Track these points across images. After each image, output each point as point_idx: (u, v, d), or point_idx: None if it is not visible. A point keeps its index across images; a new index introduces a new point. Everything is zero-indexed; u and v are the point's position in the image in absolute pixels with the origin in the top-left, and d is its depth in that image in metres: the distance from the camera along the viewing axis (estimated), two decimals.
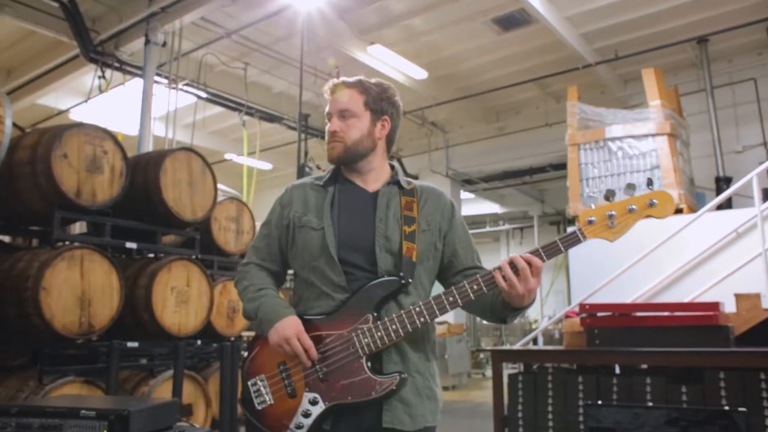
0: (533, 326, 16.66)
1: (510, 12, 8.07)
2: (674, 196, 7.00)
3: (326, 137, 1.85)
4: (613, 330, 5.58)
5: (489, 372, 13.88)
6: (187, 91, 8.50)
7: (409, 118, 10.85)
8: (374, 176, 1.86)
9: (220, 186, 7.00)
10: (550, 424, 5.43)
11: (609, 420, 5.06)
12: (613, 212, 1.63)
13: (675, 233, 6.21)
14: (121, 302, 3.85)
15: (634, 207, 1.63)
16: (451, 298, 1.65)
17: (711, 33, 8.41)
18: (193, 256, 4.55)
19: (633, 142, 7.53)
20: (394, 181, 1.86)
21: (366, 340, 1.64)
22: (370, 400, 1.63)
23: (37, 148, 3.69)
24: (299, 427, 1.65)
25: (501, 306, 1.70)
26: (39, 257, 3.56)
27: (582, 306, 5.83)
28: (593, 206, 1.65)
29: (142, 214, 4.28)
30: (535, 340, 8.44)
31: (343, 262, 1.72)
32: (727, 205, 6.46)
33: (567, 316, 6.36)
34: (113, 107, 8.31)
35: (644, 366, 5.66)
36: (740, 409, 4.64)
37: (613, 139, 7.63)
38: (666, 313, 5.50)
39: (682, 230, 6.20)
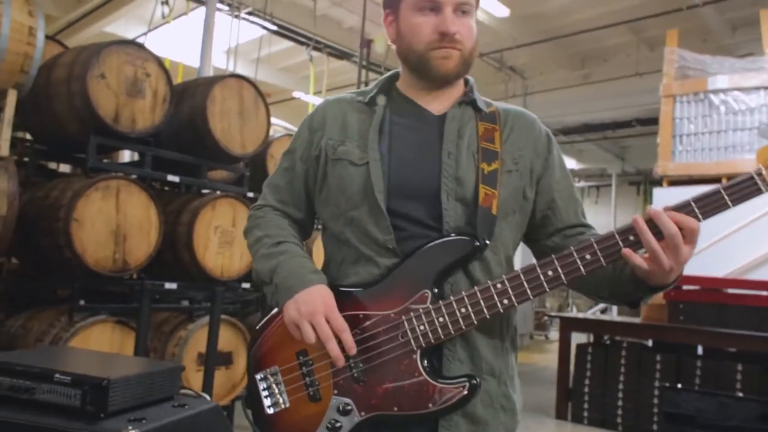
0: None
1: None
2: None
3: (427, 38, 1.26)
4: (701, 306, 4.97)
5: (552, 335, 13.39)
6: (252, 21, 8.09)
7: (486, 61, 10.11)
8: (443, 92, 1.34)
9: (281, 123, 6.62)
10: (620, 403, 4.94)
11: (689, 407, 4.52)
12: None
13: None
14: (160, 239, 3.57)
15: None
16: (550, 272, 1.15)
17: None
18: (242, 195, 4.21)
19: (740, 96, 6.64)
20: (469, 101, 1.34)
21: (422, 327, 1.18)
22: (424, 414, 1.16)
23: (74, 66, 3.39)
24: None
25: (629, 283, 1.18)
26: (72, 186, 3.30)
27: None
28: None
29: (186, 145, 3.95)
30: (606, 308, 7.85)
31: (393, 214, 1.24)
32: None
33: None
34: (177, 38, 8.03)
35: (733, 350, 5.07)
36: None
37: (716, 92, 6.76)
38: (764, 293, 4.86)
39: None
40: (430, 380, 1.17)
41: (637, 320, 5.57)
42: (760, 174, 1.06)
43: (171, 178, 3.81)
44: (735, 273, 5.61)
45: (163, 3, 7.05)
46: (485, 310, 1.16)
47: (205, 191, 4.11)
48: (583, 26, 9.13)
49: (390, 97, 1.36)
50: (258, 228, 1.38)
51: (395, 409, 1.17)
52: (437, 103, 1.33)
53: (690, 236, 1.07)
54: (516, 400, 1.30)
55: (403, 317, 1.19)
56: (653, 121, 10.19)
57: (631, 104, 10.04)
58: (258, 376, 1.28)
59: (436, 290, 1.20)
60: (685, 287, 5.09)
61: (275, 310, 1.31)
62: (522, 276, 1.16)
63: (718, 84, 6.73)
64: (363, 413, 1.18)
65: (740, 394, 4.40)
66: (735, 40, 9.10)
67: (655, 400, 4.72)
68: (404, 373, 1.17)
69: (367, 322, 1.21)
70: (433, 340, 1.17)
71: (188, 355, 3.65)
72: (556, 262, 1.15)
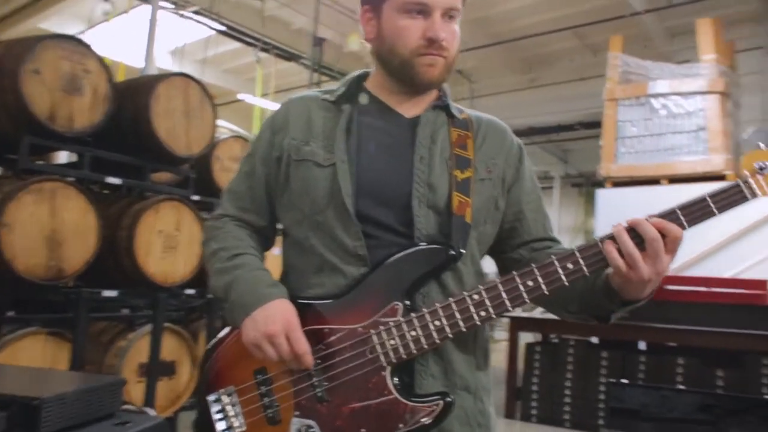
0: None
1: None
2: (720, 162, 6.42)
3: (414, 43, 1.19)
4: (644, 303, 5.07)
5: (498, 334, 13.54)
6: (197, 21, 7.91)
7: None
8: (417, 96, 1.28)
9: (228, 125, 6.50)
10: (567, 400, 5.03)
11: (633, 401, 4.63)
12: None
13: None
14: (99, 244, 3.41)
15: None
16: (531, 283, 1.09)
17: None
18: (187, 198, 4.08)
19: (679, 100, 6.87)
20: (442, 105, 1.28)
21: (392, 342, 1.11)
22: None
23: (5, 60, 3.20)
24: None
25: (602, 295, 1.13)
26: (2, 189, 3.12)
27: None
28: (763, 146, 1.09)
29: (129, 146, 3.80)
30: None
31: (362, 219, 1.17)
32: None
33: None
34: (118, 37, 7.76)
35: (672, 344, 5.23)
36: None
37: (656, 96, 6.97)
38: (703, 289, 5.03)
39: None
40: (401, 399, 1.10)
41: None
42: (746, 182, 1.05)
43: (111, 180, 3.65)
44: (674, 270, 5.79)
45: (104, 0, 6.81)
46: (461, 323, 1.10)
47: (148, 194, 3.95)
48: (529, 31, 9.30)
49: (359, 96, 1.30)
50: (214, 240, 1.29)
51: (362, 431, 1.09)
52: (409, 107, 1.27)
53: (672, 244, 1.04)
54: (491, 417, 1.25)
55: (372, 331, 1.12)
56: (596, 124, 10.47)
57: (575, 108, 10.28)
58: (211, 398, 1.18)
59: (407, 302, 1.13)
60: None
61: (227, 328, 1.24)
62: (500, 286, 1.10)
63: (658, 88, 6.94)
64: None
65: (682, 387, 4.52)
66: (673, 47, 9.44)
67: (602, 396, 4.82)
68: (372, 391, 1.10)
69: (333, 337, 1.13)
70: (404, 356, 1.11)
71: (128, 366, 3.50)
72: (536, 271, 1.09)
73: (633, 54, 7.55)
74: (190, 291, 4.04)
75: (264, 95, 9.66)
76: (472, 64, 10.91)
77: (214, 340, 1.25)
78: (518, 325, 5.69)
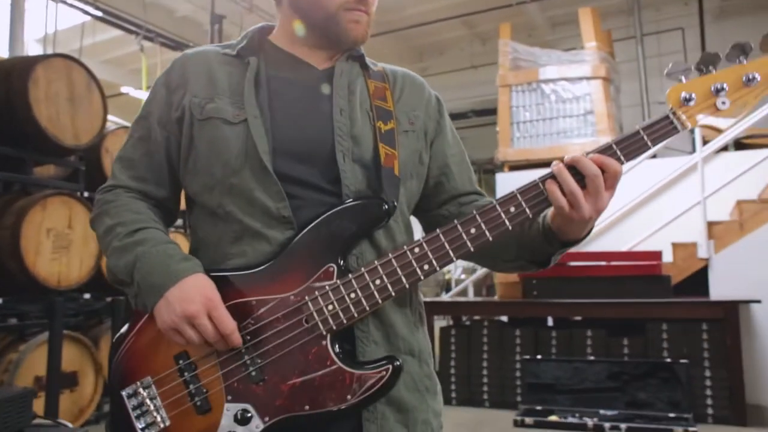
0: (446, 276, 16.62)
1: None
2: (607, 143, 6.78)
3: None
4: (551, 280, 5.28)
5: None
6: (71, 5, 7.25)
7: None
8: (329, 47, 1.17)
9: (114, 119, 6.01)
10: (485, 380, 5.09)
11: (548, 375, 4.76)
12: (722, 84, 1.03)
13: None
14: None
15: (755, 76, 1.02)
16: (473, 230, 1.01)
17: None
18: (78, 193, 3.69)
19: (567, 85, 7.19)
20: (357, 55, 1.18)
21: (330, 307, 1.00)
22: (344, 408, 0.98)
23: None
24: None
25: (540, 239, 1.08)
26: None
27: None
28: (683, 78, 1.05)
29: (5, 135, 3.36)
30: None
31: (283, 179, 1.04)
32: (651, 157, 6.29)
33: None
34: None
35: (578, 318, 5.46)
36: (682, 360, 4.48)
37: (546, 81, 7.26)
38: (604, 263, 5.28)
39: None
40: (346, 368, 0.99)
41: (494, 299, 5.79)
42: (674, 113, 1.03)
43: None
44: (575, 247, 6.05)
45: None
46: (403, 279, 1.01)
47: (31, 190, 3.52)
48: (420, 20, 9.40)
49: (263, 50, 1.16)
50: (107, 215, 1.10)
51: (307, 407, 0.98)
52: (321, 58, 1.16)
53: (611, 180, 1.00)
54: (437, 380, 1.17)
55: (306, 298, 1.00)
56: (488, 111, 10.82)
57: (468, 95, 10.55)
58: (125, 393, 1.02)
59: (342, 262, 1.03)
60: None
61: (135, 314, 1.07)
62: (442, 237, 1.02)
63: (548, 74, 7.23)
64: (267, 419, 0.98)
65: (591, 358, 4.71)
66: (555, 36, 9.91)
67: (518, 373, 4.92)
68: (313, 363, 0.99)
69: (261, 310, 1.01)
70: (345, 320, 1.00)
71: (22, 381, 3.10)
72: (479, 218, 1.02)
73: (520, 42, 7.83)
74: (87, 295, 3.66)
75: (149, 87, 9.08)
76: (363, 53, 10.89)
77: (122, 329, 1.08)
78: (432, 309, 5.70)
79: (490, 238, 1.02)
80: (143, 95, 9.02)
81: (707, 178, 5.38)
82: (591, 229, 1.06)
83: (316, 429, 1.01)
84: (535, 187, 1.02)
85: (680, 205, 5.48)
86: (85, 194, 3.86)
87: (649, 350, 4.68)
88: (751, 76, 1.03)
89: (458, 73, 10.48)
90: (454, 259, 1.03)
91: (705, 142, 5.65)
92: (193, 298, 0.98)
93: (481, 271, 8.74)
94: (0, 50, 7.08)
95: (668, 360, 4.50)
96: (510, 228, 1.02)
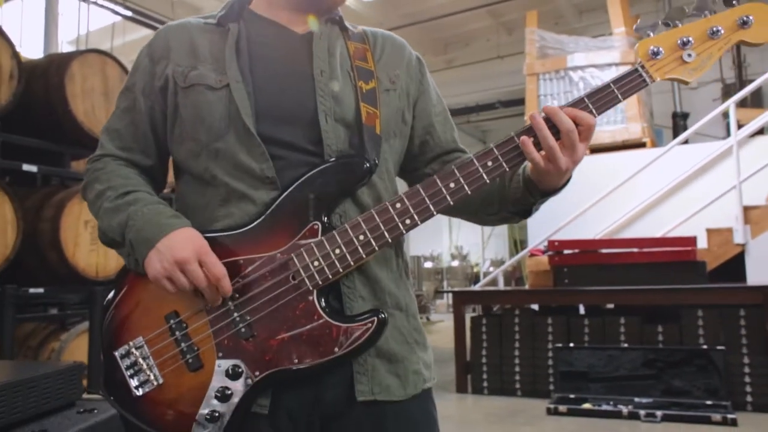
0: (475, 269, 16.56)
1: None
2: (638, 130, 6.68)
3: None
4: (582, 268, 5.23)
5: (434, 316, 13.70)
6: (102, 5, 7.38)
7: None
8: (307, 13, 1.19)
9: None
10: (517, 369, 5.06)
11: (581, 363, 4.72)
12: (688, 38, 1.06)
13: (645, 167, 5.87)
14: (19, 239, 3.07)
15: (719, 29, 1.06)
16: (452, 185, 1.03)
17: None
18: None
19: (596, 72, 7.09)
20: (335, 18, 1.19)
21: (316, 263, 1.02)
22: (331, 360, 1.01)
23: None
24: (213, 418, 0.99)
25: (520, 190, 1.12)
26: None
27: (551, 243, 5.43)
28: (651, 33, 1.07)
29: (43, 130, 3.45)
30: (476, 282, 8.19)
31: (266, 141, 1.06)
32: (683, 142, 6.18)
33: (532, 255, 5.98)
34: (12, 26, 7.13)
35: (610, 306, 5.40)
36: (719, 347, 4.40)
37: (574, 69, 7.17)
38: (636, 250, 5.20)
39: (652, 163, 5.87)
40: (333, 321, 1.01)
41: (525, 288, 5.74)
42: (643, 67, 1.05)
43: (27, 167, 3.29)
44: (608, 233, 5.98)
45: None
46: (386, 234, 1.03)
47: (69, 183, 3.61)
48: (443, 11, 9.35)
49: (243, 18, 1.18)
50: (98, 181, 1.12)
51: (295, 360, 1.01)
52: (300, 23, 1.18)
53: (586, 132, 1.02)
54: (425, 334, 1.20)
55: (293, 254, 1.02)
56: (515, 102, 10.74)
57: (494, 86, 10.48)
58: (118, 353, 1.04)
59: (326, 220, 1.05)
60: (566, 251, 5.32)
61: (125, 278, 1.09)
62: (422, 191, 1.04)
63: (576, 61, 7.13)
64: (257, 373, 1.01)
65: (625, 345, 4.65)
66: (582, 24, 9.78)
67: (550, 362, 4.88)
68: (301, 318, 1.01)
69: (249, 268, 1.03)
70: (330, 275, 1.02)
71: None
72: (457, 172, 1.04)
73: (547, 30, 7.75)
74: None
75: None
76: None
77: (110, 294, 1.10)
78: (463, 299, 5.69)
79: (469, 192, 1.04)
80: None
81: (742, 163, 5.27)
82: (569, 178, 1.08)
83: (307, 382, 1.04)
84: (511, 141, 1.04)
85: (715, 190, 5.38)
86: None
87: (685, 337, 4.60)
88: (715, 29, 1.07)
89: (484, 64, 10.42)
90: (435, 212, 1.05)
91: (740, 126, 5.54)
92: (184, 245, 1.00)
93: (510, 262, 8.68)
94: (35, 52, 7.26)
95: (704, 347, 4.42)
96: (488, 181, 1.04)
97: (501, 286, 7.33)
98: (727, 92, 7.86)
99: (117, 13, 7.74)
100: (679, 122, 8.15)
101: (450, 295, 10.46)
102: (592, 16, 9.60)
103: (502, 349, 5.11)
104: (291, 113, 1.09)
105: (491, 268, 13.64)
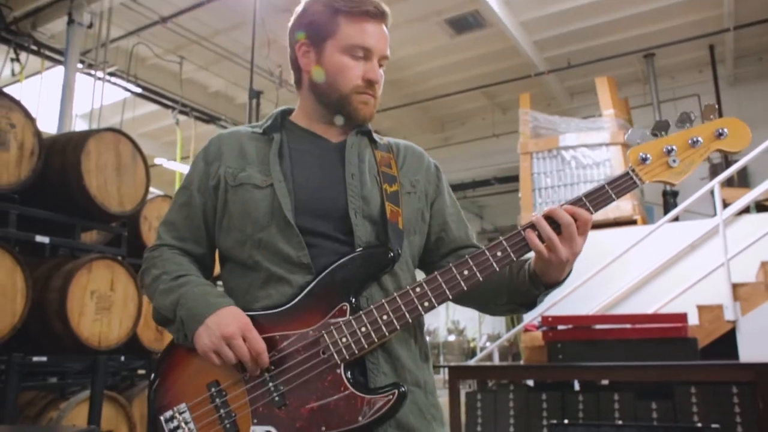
0: (471, 345, 16.41)
1: (464, 13, 7.82)
2: (629, 208, 6.87)
3: (355, 81, 1.31)
4: (576, 343, 5.28)
5: None
6: (114, 83, 7.72)
7: None
8: (341, 126, 1.40)
9: (150, 189, 6.29)
10: None
11: None
12: (672, 146, 1.23)
13: (636, 243, 6.03)
14: (27, 307, 3.17)
15: (698, 139, 1.24)
16: (466, 272, 1.18)
17: (657, 46, 8.46)
18: (120, 256, 3.89)
19: (587, 152, 7.37)
20: (364, 131, 1.40)
21: (344, 339, 1.15)
22: (355, 428, 1.11)
23: None
24: None
25: (526, 283, 1.25)
26: None
27: (545, 318, 5.50)
28: (640, 141, 1.25)
29: (58, 203, 3.60)
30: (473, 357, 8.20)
31: (303, 231, 1.23)
32: (673, 220, 6.37)
33: (526, 330, 6.03)
34: (29, 99, 7.44)
35: (605, 382, 5.41)
36: (713, 425, 4.41)
37: (566, 148, 7.45)
38: (629, 326, 5.27)
39: (643, 240, 6.02)
40: (358, 393, 1.13)
41: (520, 363, 5.77)
42: (633, 170, 1.22)
43: (40, 239, 3.43)
44: (601, 309, 6.06)
45: (13, 60, 6.54)
46: (407, 315, 1.16)
47: (78, 254, 3.73)
48: (441, 91, 9.76)
49: (285, 128, 1.38)
50: (154, 267, 1.30)
51: (323, 428, 1.11)
52: (334, 134, 1.37)
53: (583, 227, 1.17)
54: (442, 410, 1.31)
55: (324, 332, 1.16)
56: (510, 179, 11.02)
57: (490, 163, 10.77)
58: (163, 417, 1.17)
59: (354, 302, 1.18)
60: (560, 327, 5.39)
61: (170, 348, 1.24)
62: (439, 278, 1.18)
63: (567, 141, 7.42)
64: None
65: (620, 422, 4.65)
66: (573, 105, 10.17)
67: None
68: (329, 389, 1.13)
69: (285, 342, 1.16)
70: (356, 351, 1.15)
71: None
72: (470, 261, 1.19)
73: (539, 111, 8.09)
74: (123, 357, 3.80)
75: (184, 158, 9.48)
76: (388, 124, 11.27)
77: (157, 361, 1.24)
78: (458, 373, 5.71)
79: (481, 278, 1.18)
80: (176, 166, 9.40)
81: (730, 240, 5.42)
82: (570, 271, 1.22)
83: None
84: (518, 234, 1.19)
85: (704, 267, 5.50)
86: (126, 258, 4.06)
87: (679, 414, 4.61)
88: (695, 139, 1.24)
89: (480, 142, 10.75)
90: (450, 296, 1.19)
91: (726, 205, 5.73)
92: (229, 322, 1.14)
93: (506, 337, 8.70)
94: (49, 126, 7.54)
95: (699, 425, 4.42)
96: (497, 269, 1.19)
97: (496, 361, 7.32)
98: (714, 172, 8.11)
99: (128, 90, 8.08)
100: (669, 200, 8.36)
101: (446, 370, 10.38)
102: (583, 98, 10.01)
103: (497, 426, 5.10)
104: (325, 209, 1.26)
105: (488, 343, 13.56)
